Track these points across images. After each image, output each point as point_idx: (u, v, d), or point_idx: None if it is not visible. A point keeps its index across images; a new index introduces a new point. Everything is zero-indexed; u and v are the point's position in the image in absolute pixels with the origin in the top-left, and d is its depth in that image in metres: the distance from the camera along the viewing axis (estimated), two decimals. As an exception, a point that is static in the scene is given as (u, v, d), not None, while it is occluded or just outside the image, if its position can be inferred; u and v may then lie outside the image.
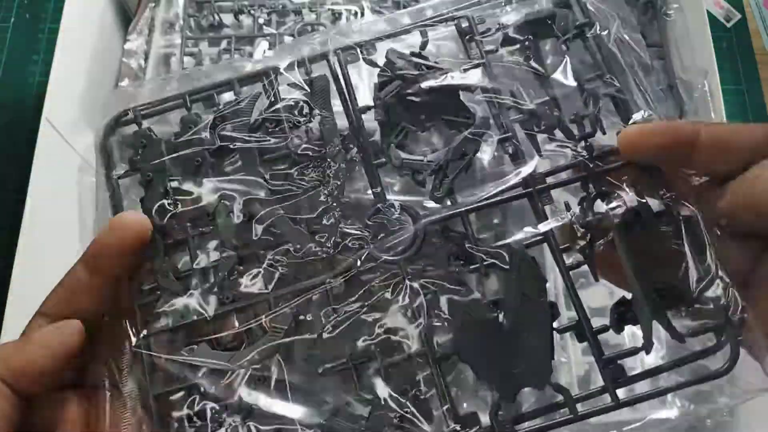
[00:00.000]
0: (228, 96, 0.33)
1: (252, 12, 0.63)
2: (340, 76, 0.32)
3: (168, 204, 0.31)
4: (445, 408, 0.29)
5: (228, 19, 0.64)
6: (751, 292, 0.29)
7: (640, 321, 0.29)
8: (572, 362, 0.51)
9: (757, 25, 0.73)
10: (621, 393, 0.29)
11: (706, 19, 0.57)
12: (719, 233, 0.29)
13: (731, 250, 0.29)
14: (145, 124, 0.33)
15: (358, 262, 0.30)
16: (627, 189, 0.30)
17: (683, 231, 0.29)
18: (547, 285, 0.30)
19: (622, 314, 0.30)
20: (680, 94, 0.58)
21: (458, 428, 0.29)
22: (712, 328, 0.29)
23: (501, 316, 0.29)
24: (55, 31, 0.56)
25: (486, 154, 0.32)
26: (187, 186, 0.31)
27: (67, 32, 0.55)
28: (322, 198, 0.31)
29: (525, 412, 0.29)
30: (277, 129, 0.32)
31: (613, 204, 0.30)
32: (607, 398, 0.29)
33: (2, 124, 0.66)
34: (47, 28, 0.70)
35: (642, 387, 0.31)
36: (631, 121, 0.31)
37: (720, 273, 0.28)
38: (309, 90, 0.32)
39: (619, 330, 0.30)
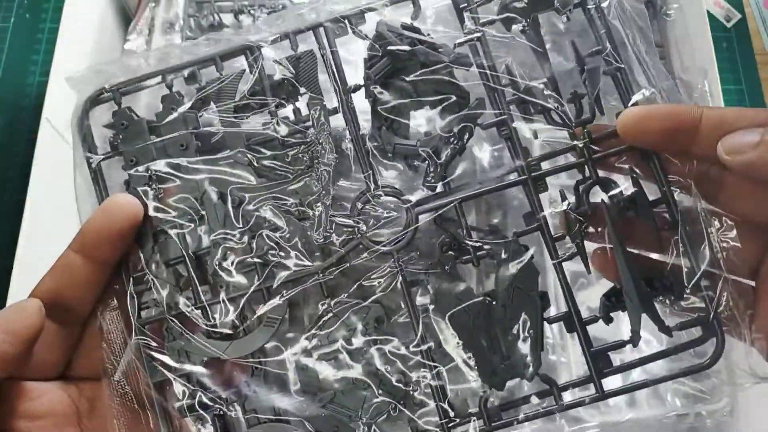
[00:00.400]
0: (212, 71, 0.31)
1: (252, 12, 0.63)
2: (328, 53, 0.31)
3: (154, 189, 0.30)
4: (436, 396, 0.29)
5: (228, 19, 0.64)
6: (759, 283, 0.29)
7: (628, 313, 0.29)
8: (572, 362, 0.51)
9: (757, 25, 0.73)
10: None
11: (706, 19, 0.57)
12: (723, 223, 0.29)
13: (738, 240, 0.28)
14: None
15: (351, 253, 0.30)
16: (624, 175, 0.30)
17: (679, 220, 0.29)
18: (549, 278, 0.30)
19: (612, 305, 0.30)
20: (680, 94, 0.58)
21: (450, 415, 0.29)
22: (698, 321, 0.29)
23: (493, 307, 0.29)
24: (55, 31, 0.56)
25: (481, 141, 0.31)
26: (173, 170, 0.30)
27: (67, 32, 0.55)
28: (309, 186, 0.30)
29: (512, 400, 0.29)
30: (263, 110, 0.30)
31: (609, 192, 0.29)
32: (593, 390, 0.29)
33: (2, 124, 0.66)
34: (47, 28, 0.70)
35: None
36: (631, 102, 0.29)
37: (716, 264, 0.28)
38: (294, 69, 0.30)
39: (608, 321, 0.30)
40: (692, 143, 0.28)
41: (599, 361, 0.29)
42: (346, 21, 0.31)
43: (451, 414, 0.29)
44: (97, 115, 0.32)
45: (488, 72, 0.30)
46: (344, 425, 0.29)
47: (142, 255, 0.30)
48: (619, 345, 0.29)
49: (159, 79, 0.31)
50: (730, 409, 0.52)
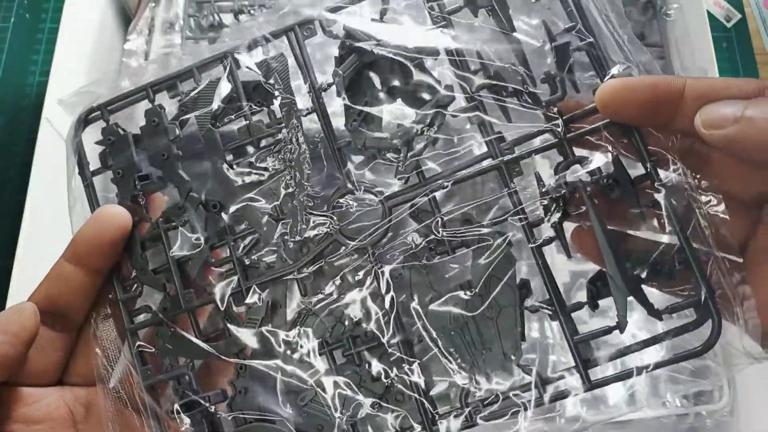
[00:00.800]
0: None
1: (252, 12, 0.63)
2: (298, 54, 0.31)
3: (140, 199, 0.31)
4: (417, 391, 0.28)
5: (228, 19, 0.64)
6: (748, 261, 0.27)
7: (613, 296, 0.27)
8: (572, 362, 0.51)
9: (757, 25, 0.73)
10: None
11: (706, 19, 0.57)
12: (710, 199, 0.27)
13: (727, 215, 0.27)
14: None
15: (327, 251, 0.30)
16: (603, 153, 0.28)
17: (665, 197, 0.27)
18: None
19: (597, 291, 0.28)
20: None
21: (430, 411, 0.28)
22: (691, 303, 0.27)
23: (471, 298, 0.29)
24: (55, 31, 0.56)
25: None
26: (157, 180, 0.31)
27: (67, 32, 0.55)
28: (283, 185, 0.30)
29: (495, 394, 0.28)
30: (239, 115, 0.31)
31: (587, 170, 0.28)
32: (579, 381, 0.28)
33: (2, 124, 0.66)
34: (47, 28, 0.70)
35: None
36: (608, 77, 0.28)
37: (705, 241, 0.27)
38: (266, 73, 0.31)
39: (594, 307, 0.29)
40: (675, 116, 0.26)
41: (586, 351, 0.28)
42: (317, 22, 0.31)
43: (433, 409, 0.28)
44: (92, 132, 0.33)
45: (456, 58, 0.30)
46: (328, 423, 0.29)
47: (131, 263, 0.31)
48: (606, 331, 0.28)
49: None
50: (730, 409, 0.52)
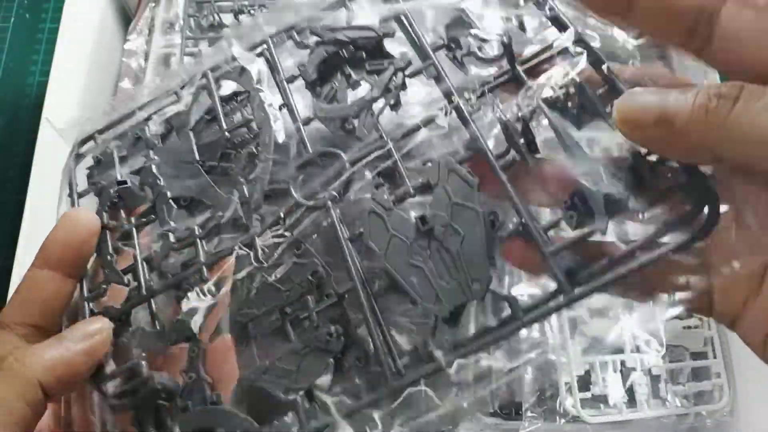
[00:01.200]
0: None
1: (252, 12, 0.63)
2: (270, 61, 0.33)
3: (114, 200, 0.32)
4: (381, 346, 0.26)
5: (228, 19, 0.64)
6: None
7: (589, 200, 0.25)
8: (572, 362, 0.51)
9: (757, 25, 0.73)
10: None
11: (706, 19, 0.57)
12: None
13: None
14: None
15: (285, 213, 0.29)
16: (558, 71, 0.27)
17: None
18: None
19: (573, 203, 0.26)
20: None
21: (397, 365, 0.26)
22: (679, 185, 0.24)
23: (433, 230, 0.27)
24: (55, 31, 0.56)
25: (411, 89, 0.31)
26: (135, 186, 0.33)
27: (67, 32, 0.55)
28: (247, 159, 0.31)
29: (466, 338, 0.26)
30: (213, 116, 0.33)
31: (541, 83, 0.27)
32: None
33: (2, 124, 0.66)
34: (47, 28, 0.70)
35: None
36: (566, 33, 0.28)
37: None
38: (239, 75, 0.33)
39: (569, 219, 0.26)
40: (629, 14, 0.23)
41: (565, 259, 0.26)
42: (285, 34, 0.33)
43: (394, 359, 0.26)
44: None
45: (409, 25, 0.31)
46: (282, 397, 0.27)
47: (102, 263, 0.31)
48: (585, 236, 0.26)
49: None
50: (730, 409, 0.52)
